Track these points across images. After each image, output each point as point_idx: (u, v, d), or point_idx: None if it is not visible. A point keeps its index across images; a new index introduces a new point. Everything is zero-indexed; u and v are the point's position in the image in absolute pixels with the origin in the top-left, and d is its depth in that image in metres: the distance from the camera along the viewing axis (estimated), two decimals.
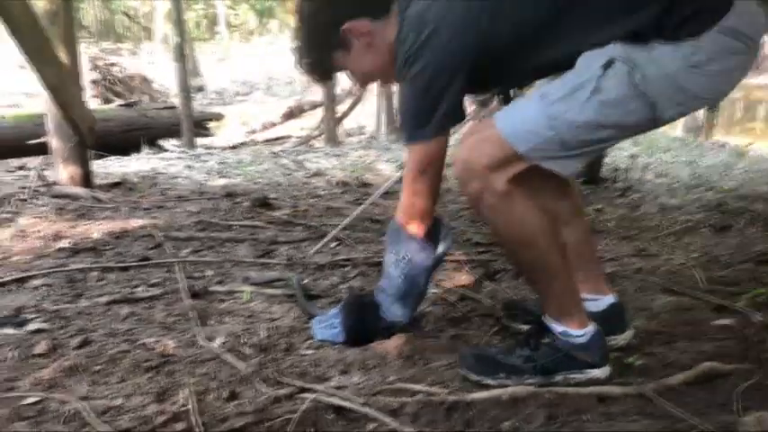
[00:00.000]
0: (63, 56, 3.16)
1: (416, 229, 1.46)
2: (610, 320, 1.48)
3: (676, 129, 7.59)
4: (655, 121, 1.23)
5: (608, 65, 1.18)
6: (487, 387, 1.33)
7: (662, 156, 4.96)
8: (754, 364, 1.40)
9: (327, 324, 1.60)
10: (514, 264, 1.51)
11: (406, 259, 1.49)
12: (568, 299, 1.35)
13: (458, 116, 1.34)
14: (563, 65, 1.24)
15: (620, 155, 4.75)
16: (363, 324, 1.57)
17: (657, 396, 1.27)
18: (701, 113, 7.18)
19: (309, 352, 1.53)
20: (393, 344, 1.51)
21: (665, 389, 1.30)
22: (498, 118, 1.27)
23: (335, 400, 1.26)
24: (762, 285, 1.88)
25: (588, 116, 1.19)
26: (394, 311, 1.55)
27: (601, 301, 1.53)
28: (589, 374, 1.35)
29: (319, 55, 1.42)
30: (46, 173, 3.44)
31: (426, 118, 1.30)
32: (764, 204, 2.99)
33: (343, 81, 10.68)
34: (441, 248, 1.53)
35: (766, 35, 1.38)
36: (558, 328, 1.35)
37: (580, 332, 1.35)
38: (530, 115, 1.24)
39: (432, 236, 1.50)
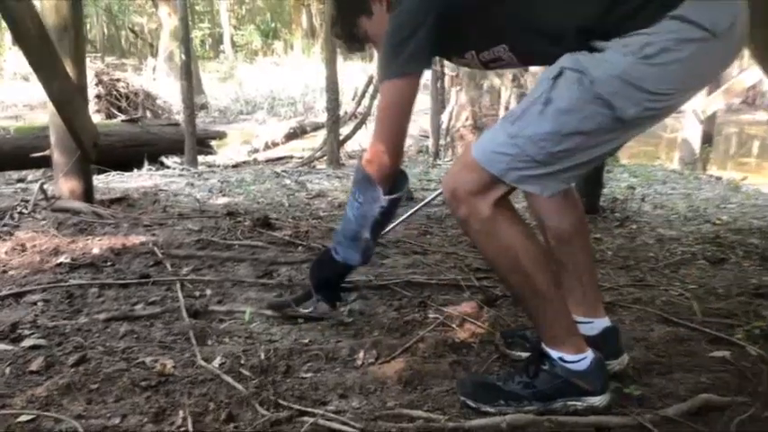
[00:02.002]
0: (70, 70, 3.20)
1: (372, 172, 1.52)
2: (604, 344, 1.49)
3: (674, 162, 7.66)
4: (620, 121, 1.20)
5: (558, 75, 1.21)
6: (486, 414, 1.34)
7: (659, 187, 5.00)
8: (750, 397, 1.41)
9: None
10: (506, 288, 1.52)
11: (359, 201, 1.56)
12: (561, 324, 1.36)
13: (424, 61, 1.38)
14: (541, 38, 1.28)
15: (618, 186, 4.78)
16: (321, 268, 1.72)
17: (654, 427, 1.28)
18: (696, 147, 7.26)
19: (309, 375, 1.53)
20: (393, 368, 1.52)
21: (663, 420, 1.31)
22: (474, 144, 1.31)
23: (335, 425, 1.26)
24: (758, 318, 1.89)
25: (546, 127, 1.21)
26: (346, 252, 1.63)
27: (595, 325, 1.53)
28: (587, 402, 1.35)
29: (347, 20, 1.53)
30: (46, 186, 3.45)
31: (394, 57, 1.36)
32: (759, 238, 3.01)
33: (345, 104, 10.78)
34: (384, 201, 1.55)
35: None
36: (555, 354, 1.36)
37: (576, 358, 1.35)
38: (496, 137, 1.28)
39: (393, 186, 1.55)
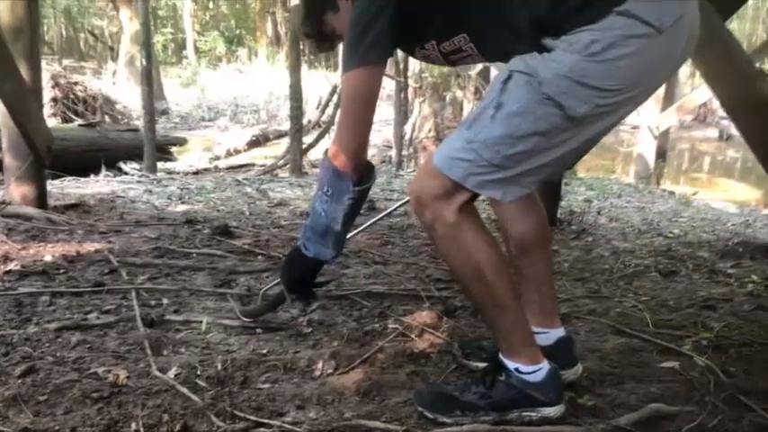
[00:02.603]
0: (24, 72, 3.11)
1: (340, 163, 1.50)
2: (559, 355, 1.51)
3: (629, 176, 7.88)
4: (572, 120, 1.21)
5: (507, 79, 1.24)
6: (443, 425, 1.35)
7: (615, 201, 5.13)
8: (697, 407, 1.46)
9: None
10: (467, 297, 1.54)
11: (328, 195, 1.55)
12: (518, 335, 1.37)
13: (385, 49, 1.38)
14: (499, 28, 1.30)
15: (575, 199, 4.89)
16: (292, 268, 1.70)
17: None
18: (651, 162, 7.50)
19: (266, 386, 1.51)
20: (351, 379, 1.52)
21: (615, 429, 1.34)
22: (435, 151, 1.34)
23: None
24: (705, 329, 1.96)
25: (499, 131, 1.23)
26: (317, 248, 1.62)
27: (550, 335, 1.56)
28: (542, 413, 1.37)
29: (314, 18, 1.53)
30: None
31: (354, 48, 1.36)
32: (708, 251, 3.12)
33: (309, 112, 10.74)
34: (353, 192, 1.54)
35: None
36: (511, 364, 1.37)
37: (532, 369, 1.36)
38: (453, 143, 1.30)
39: (360, 177, 1.54)
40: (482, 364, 1.56)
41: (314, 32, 1.56)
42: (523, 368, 1.36)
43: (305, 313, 1.96)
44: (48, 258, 2.43)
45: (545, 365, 1.38)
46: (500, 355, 1.40)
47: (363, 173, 1.55)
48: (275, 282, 1.90)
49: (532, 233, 1.54)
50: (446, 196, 1.28)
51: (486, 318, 1.42)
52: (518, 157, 1.24)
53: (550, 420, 1.37)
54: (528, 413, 1.37)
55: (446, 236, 1.30)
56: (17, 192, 3.27)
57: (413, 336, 1.83)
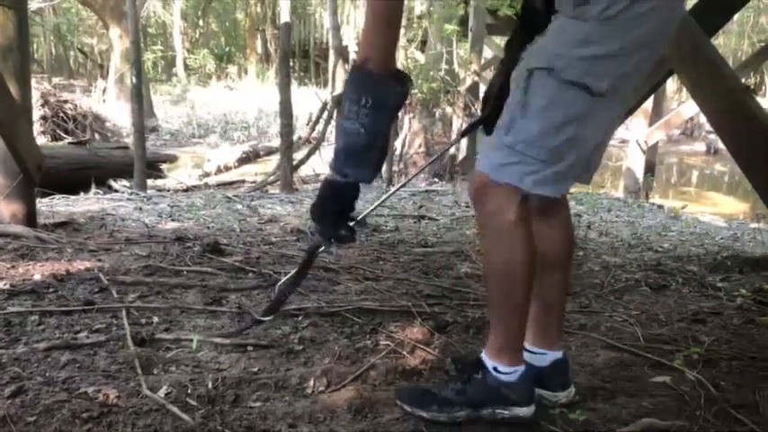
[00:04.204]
0: (14, 91, 3.11)
1: (376, 65, 1.34)
2: (554, 376, 1.52)
3: (618, 190, 7.95)
4: (601, 96, 1.27)
5: (528, 77, 1.29)
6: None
7: (605, 215, 5.17)
8: (689, 421, 1.46)
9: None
10: (487, 289, 1.49)
11: (368, 105, 1.36)
12: (514, 337, 1.43)
13: None
14: None
15: None
16: (332, 203, 1.45)
17: None
18: (640, 176, 7.57)
19: (257, 404, 1.50)
20: (343, 396, 1.51)
21: None
22: (478, 165, 1.38)
23: None
24: (696, 344, 1.97)
25: (537, 127, 1.28)
26: (355, 172, 1.42)
27: (547, 357, 1.54)
28: (513, 412, 1.42)
29: None
30: None
31: None
32: (698, 265, 3.14)
33: (299, 128, 10.77)
34: (399, 94, 1.40)
35: None
36: (491, 363, 1.42)
37: (510, 370, 1.41)
38: (497, 152, 1.33)
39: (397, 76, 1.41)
40: None
41: None
42: (502, 368, 1.41)
43: (296, 331, 1.95)
44: (37, 277, 2.41)
45: (521, 368, 1.43)
46: (482, 354, 1.45)
47: (398, 75, 1.41)
48: (289, 276, 1.75)
49: (557, 252, 1.53)
50: (507, 198, 1.33)
51: (493, 313, 1.45)
52: (563, 148, 1.29)
53: (522, 420, 1.42)
54: (500, 411, 1.42)
55: (500, 230, 1.35)
56: (7, 210, 3.25)
57: (404, 352, 1.83)
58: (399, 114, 8.72)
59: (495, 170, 1.33)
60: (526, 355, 1.48)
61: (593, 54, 1.25)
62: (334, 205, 1.47)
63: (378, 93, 1.36)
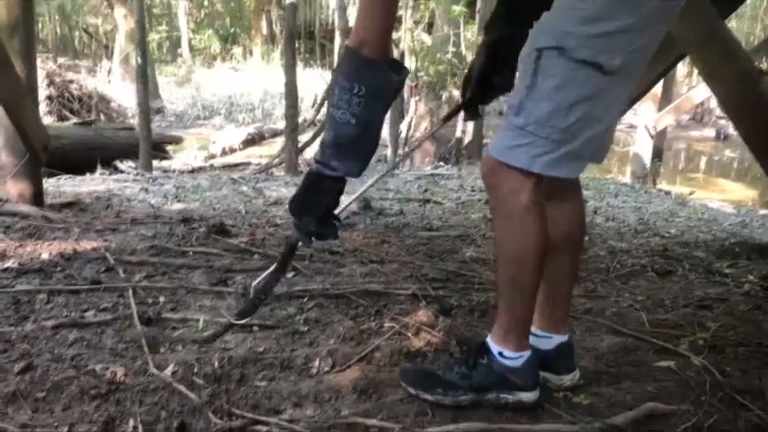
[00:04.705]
0: (20, 70, 3.10)
1: (371, 51, 1.28)
2: (559, 360, 1.52)
3: (625, 175, 7.91)
4: (613, 74, 1.25)
5: (538, 58, 1.26)
6: (437, 423, 1.36)
7: (611, 201, 5.15)
8: (693, 406, 1.46)
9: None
10: (497, 272, 1.46)
11: (361, 93, 1.28)
12: (521, 322, 1.42)
13: None
14: None
15: None
16: (317, 196, 1.39)
17: None
18: (647, 161, 7.52)
19: (263, 383, 1.52)
20: (348, 377, 1.52)
21: (611, 428, 1.35)
22: (489, 149, 1.36)
23: None
24: (702, 329, 1.97)
25: (548, 107, 1.26)
26: (346, 165, 1.35)
27: (553, 340, 1.55)
28: (518, 396, 1.43)
29: None
30: None
31: None
32: (705, 252, 3.13)
33: (305, 110, 10.73)
34: (395, 82, 1.33)
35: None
36: (496, 348, 1.42)
37: (515, 355, 1.41)
38: (507, 134, 1.31)
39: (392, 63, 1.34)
40: None
41: None
42: (507, 353, 1.41)
43: (301, 312, 1.96)
44: (45, 256, 2.43)
45: (527, 353, 1.43)
46: (488, 339, 1.44)
47: (393, 64, 1.34)
48: (265, 275, 1.67)
49: (568, 237, 1.51)
50: (521, 182, 1.31)
51: (502, 297, 1.44)
52: (575, 128, 1.27)
53: (526, 404, 1.42)
54: (505, 395, 1.42)
55: (513, 214, 1.33)
56: (14, 189, 3.26)
57: (409, 334, 1.83)
58: (405, 97, 8.65)
59: (505, 152, 1.31)
60: (532, 339, 1.48)
61: (605, 31, 1.21)
62: (319, 200, 1.40)
63: (373, 80, 1.29)
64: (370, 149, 1.38)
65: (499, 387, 1.42)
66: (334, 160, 1.35)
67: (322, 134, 1.39)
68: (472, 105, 1.53)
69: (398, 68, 1.34)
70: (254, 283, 1.66)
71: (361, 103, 1.29)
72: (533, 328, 1.51)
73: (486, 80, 1.46)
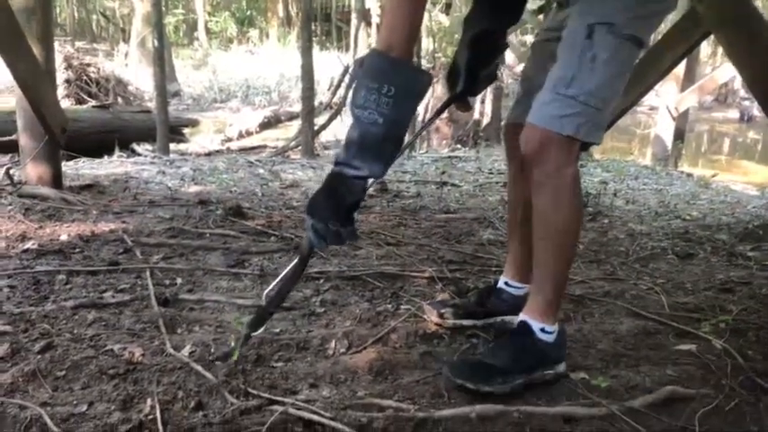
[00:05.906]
0: (38, 53, 3.12)
1: (400, 52, 1.30)
2: (524, 303, 1.57)
3: (646, 157, 7.79)
4: (644, 47, 1.40)
5: (590, 33, 1.34)
6: (453, 405, 1.35)
7: (632, 183, 5.07)
8: (714, 390, 1.44)
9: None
10: (542, 247, 1.45)
11: (390, 93, 1.28)
12: (560, 293, 1.49)
13: None
14: None
15: (591, 181, 4.85)
16: (342, 198, 1.35)
17: (622, 417, 1.30)
18: (669, 143, 7.40)
19: (279, 364, 1.52)
20: (364, 358, 1.52)
21: (629, 411, 1.33)
22: (532, 121, 1.39)
23: (304, 414, 1.26)
24: (723, 313, 1.94)
25: (601, 79, 1.35)
26: (370, 166, 1.34)
27: (524, 289, 1.69)
28: (556, 369, 1.47)
29: None
30: (13, 171, 3.37)
31: None
32: (727, 234, 3.07)
33: (321, 93, 10.70)
34: (427, 81, 1.35)
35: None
36: (537, 325, 1.46)
37: (553, 329, 1.47)
38: (554, 105, 1.36)
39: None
40: (468, 322, 1.72)
41: None
42: (548, 328, 1.46)
43: (318, 294, 1.96)
44: (64, 238, 2.45)
45: (559, 326, 1.49)
46: (525, 318, 1.48)
47: (417, 67, 1.44)
48: (276, 281, 1.56)
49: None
50: (567, 152, 1.38)
51: (548, 271, 1.46)
52: (611, 96, 1.38)
53: (563, 375, 1.48)
54: (548, 371, 1.46)
55: (561, 188, 1.39)
56: (33, 172, 3.29)
57: (425, 316, 1.83)
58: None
59: (553, 121, 1.35)
60: (514, 290, 1.69)
61: (652, 11, 1.36)
62: (341, 201, 1.36)
63: (403, 80, 1.30)
64: (394, 151, 1.36)
65: (543, 364, 1.45)
66: (357, 160, 1.33)
67: (345, 135, 1.37)
68: (462, 98, 1.60)
69: (422, 71, 1.40)
70: (267, 290, 1.59)
71: (390, 103, 1.29)
72: (515, 282, 1.71)
73: (474, 73, 1.53)
